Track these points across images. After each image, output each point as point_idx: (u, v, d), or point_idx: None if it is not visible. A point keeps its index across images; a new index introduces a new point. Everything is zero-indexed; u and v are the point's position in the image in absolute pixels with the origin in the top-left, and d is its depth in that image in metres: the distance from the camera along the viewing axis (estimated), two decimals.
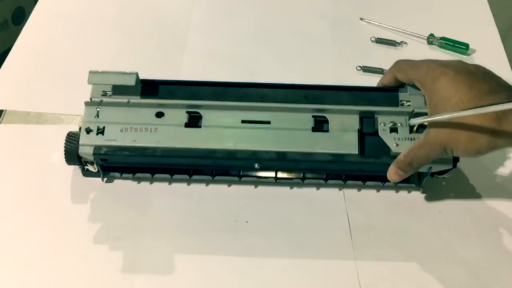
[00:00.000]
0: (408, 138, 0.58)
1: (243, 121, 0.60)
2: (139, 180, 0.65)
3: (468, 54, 0.81)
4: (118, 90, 0.61)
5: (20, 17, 1.29)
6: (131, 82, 0.59)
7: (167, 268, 0.58)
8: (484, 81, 0.51)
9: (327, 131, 0.59)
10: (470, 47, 0.80)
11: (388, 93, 0.61)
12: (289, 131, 0.59)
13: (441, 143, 0.53)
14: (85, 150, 0.59)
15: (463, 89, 0.51)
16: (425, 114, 0.60)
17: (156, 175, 0.64)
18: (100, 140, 0.59)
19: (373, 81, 0.76)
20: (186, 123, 0.60)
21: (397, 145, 0.58)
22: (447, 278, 0.58)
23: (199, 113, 0.60)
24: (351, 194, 0.64)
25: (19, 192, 0.64)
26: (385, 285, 0.57)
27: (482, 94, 0.50)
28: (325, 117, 0.60)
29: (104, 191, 0.64)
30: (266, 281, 0.57)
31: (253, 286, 0.57)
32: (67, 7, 0.87)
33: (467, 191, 0.65)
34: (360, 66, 0.78)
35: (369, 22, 0.85)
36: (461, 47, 0.80)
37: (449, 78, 0.52)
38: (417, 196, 0.64)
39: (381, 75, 0.77)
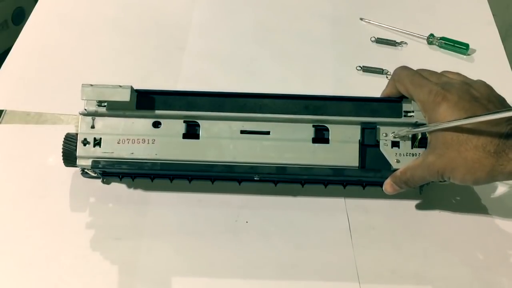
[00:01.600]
0: (410, 153, 0.57)
1: (242, 132, 0.59)
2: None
3: (468, 54, 0.81)
4: (113, 104, 0.59)
5: (20, 17, 1.29)
6: (126, 98, 0.57)
7: (167, 269, 0.58)
8: (487, 110, 0.50)
9: (328, 142, 0.58)
10: (470, 47, 0.80)
11: (391, 103, 0.59)
12: (289, 142, 0.58)
13: (439, 170, 0.52)
14: (83, 163, 0.58)
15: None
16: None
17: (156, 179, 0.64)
18: (97, 153, 0.58)
19: (373, 81, 0.76)
20: (184, 134, 0.58)
21: (398, 161, 0.57)
22: (447, 278, 0.58)
23: (197, 123, 0.59)
24: (351, 194, 0.64)
25: (18, 192, 0.64)
26: (385, 285, 0.57)
27: (483, 126, 0.50)
28: (326, 128, 0.59)
29: (104, 191, 0.64)
30: (266, 281, 0.57)
31: (253, 286, 0.57)
32: (67, 7, 0.87)
33: (467, 191, 0.65)
34: (360, 66, 0.78)
35: (369, 22, 0.85)
36: (461, 47, 0.80)
37: (450, 105, 0.51)
38: (417, 196, 0.64)
39: (381, 75, 0.77)
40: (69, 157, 0.60)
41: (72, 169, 0.64)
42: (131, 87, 0.57)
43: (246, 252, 0.59)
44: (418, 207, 0.63)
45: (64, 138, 0.60)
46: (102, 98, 0.57)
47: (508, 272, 0.58)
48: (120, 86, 0.57)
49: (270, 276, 0.58)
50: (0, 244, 0.59)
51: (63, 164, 0.61)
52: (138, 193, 0.64)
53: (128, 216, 0.62)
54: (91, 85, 0.57)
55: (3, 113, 0.72)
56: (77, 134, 0.59)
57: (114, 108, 0.59)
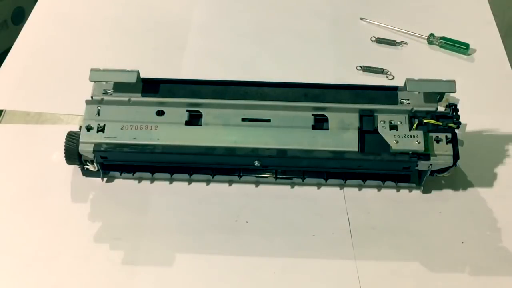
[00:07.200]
0: (408, 135, 0.58)
1: (243, 119, 0.60)
2: (139, 179, 0.65)
3: (469, 54, 0.81)
4: (119, 88, 0.61)
5: (19, 17, 1.29)
6: (132, 79, 0.60)
7: (167, 268, 0.58)
8: None
9: (327, 129, 0.60)
10: (471, 47, 0.80)
11: (388, 91, 0.61)
12: (289, 129, 0.60)
13: None
14: (85, 148, 0.59)
15: None
16: (423, 112, 0.60)
17: (156, 174, 0.64)
18: (100, 138, 0.59)
19: (373, 80, 0.76)
20: (186, 121, 0.60)
21: (397, 142, 0.58)
22: (447, 278, 0.58)
23: (200, 112, 0.60)
24: (351, 194, 0.64)
25: (19, 192, 0.64)
26: (385, 285, 0.57)
27: None
28: (325, 116, 0.60)
29: (104, 191, 0.64)
30: (266, 281, 0.57)
31: (253, 286, 0.57)
32: (67, 7, 0.87)
33: (467, 191, 0.65)
34: (360, 66, 0.78)
35: (369, 22, 0.85)
36: (462, 47, 0.80)
37: None
38: (417, 196, 0.64)
39: (381, 75, 0.77)
40: (71, 155, 0.60)
41: (72, 169, 0.64)
42: (138, 71, 0.60)
43: (246, 252, 0.59)
44: (418, 207, 0.63)
45: (66, 136, 0.61)
46: (110, 79, 0.60)
47: (508, 272, 0.58)
48: (128, 70, 0.60)
49: (270, 276, 0.58)
50: (0, 244, 0.59)
51: (63, 164, 0.61)
52: (138, 193, 0.64)
53: (128, 215, 0.62)
54: (100, 69, 0.60)
55: (3, 113, 0.71)
56: (79, 132, 0.60)
57: (120, 91, 0.61)
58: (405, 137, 0.58)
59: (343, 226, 0.61)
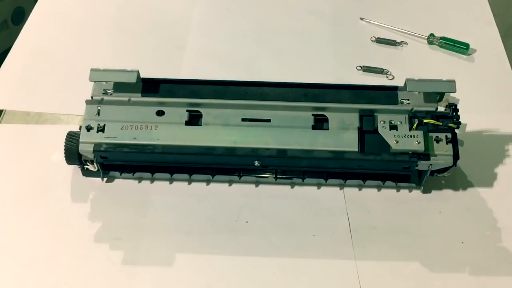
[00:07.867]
0: (408, 135, 0.58)
1: (243, 119, 0.60)
2: (139, 179, 0.65)
3: (469, 54, 0.81)
4: (119, 88, 0.61)
5: (19, 17, 1.29)
6: (132, 79, 0.60)
7: (167, 268, 0.58)
8: None
9: (327, 129, 0.60)
10: (471, 47, 0.80)
11: (388, 91, 0.61)
12: (289, 129, 0.60)
13: None
14: (85, 148, 0.59)
15: None
16: (423, 112, 0.60)
17: (156, 174, 0.64)
18: (100, 138, 0.59)
19: (373, 80, 0.76)
20: (186, 121, 0.60)
21: (397, 142, 0.58)
22: (447, 278, 0.58)
23: (199, 112, 0.60)
24: (351, 194, 0.64)
25: (19, 192, 0.64)
26: (385, 285, 0.57)
27: None
28: (325, 116, 0.60)
29: (104, 191, 0.64)
30: (266, 281, 0.57)
31: (253, 286, 0.57)
32: (67, 7, 0.87)
33: (467, 191, 0.65)
34: (360, 66, 0.78)
35: (369, 22, 0.85)
36: (462, 47, 0.80)
37: None
38: (417, 196, 0.64)
39: (381, 75, 0.77)
40: (71, 155, 0.60)
41: (72, 169, 0.64)
42: (138, 71, 0.60)
43: (246, 252, 0.59)
44: (418, 207, 0.63)
45: (66, 136, 0.61)
46: (110, 79, 0.60)
47: (508, 272, 0.58)
48: (128, 70, 0.60)
49: (270, 276, 0.58)
50: (1, 244, 0.59)
51: (63, 163, 0.61)
52: (138, 193, 0.64)
53: (128, 215, 0.62)
54: (100, 69, 0.60)
55: (3, 113, 0.71)
56: (79, 132, 0.60)
57: (120, 91, 0.61)
58: (405, 137, 0.58)
59: (343, 226, 0.61)
